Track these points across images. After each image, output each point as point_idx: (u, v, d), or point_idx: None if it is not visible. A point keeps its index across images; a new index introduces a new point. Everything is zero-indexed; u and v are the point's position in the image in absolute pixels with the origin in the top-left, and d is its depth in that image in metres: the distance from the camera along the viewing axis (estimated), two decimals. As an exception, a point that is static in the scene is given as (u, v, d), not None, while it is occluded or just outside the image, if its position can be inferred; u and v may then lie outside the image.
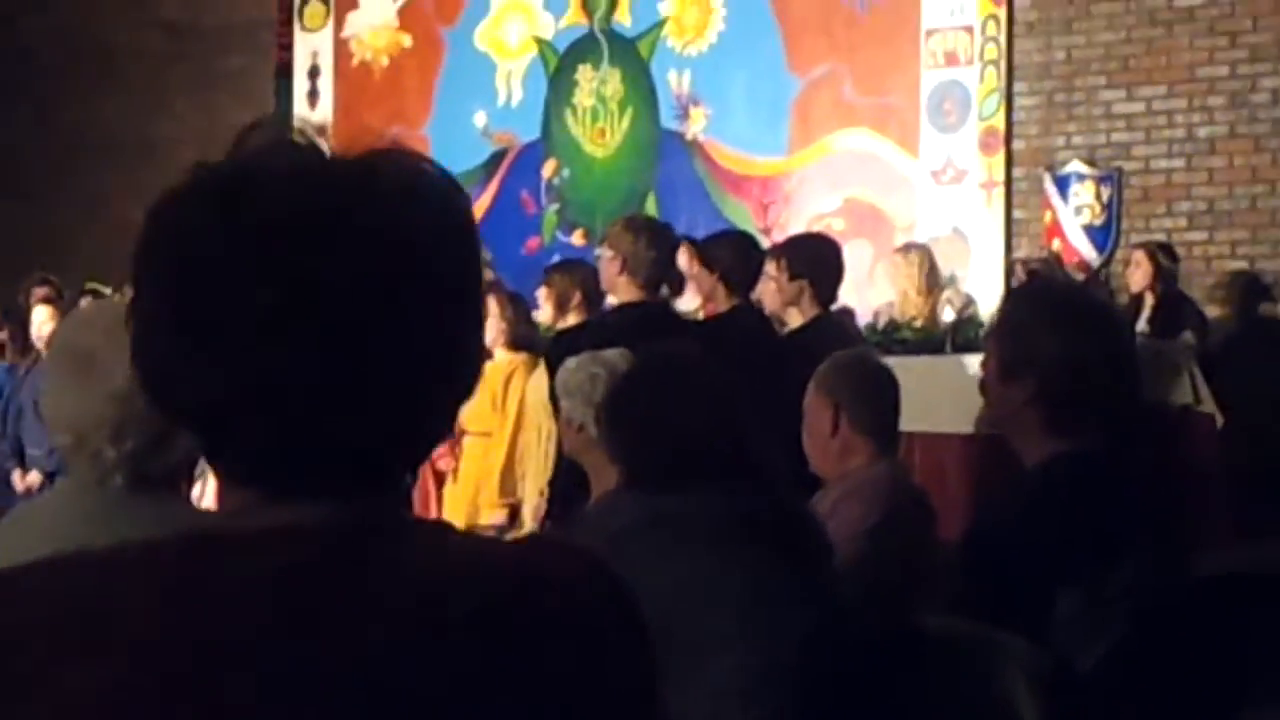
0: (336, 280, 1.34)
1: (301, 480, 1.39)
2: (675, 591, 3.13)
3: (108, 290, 10.99)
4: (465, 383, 1.48)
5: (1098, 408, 3.42)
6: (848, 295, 8.27)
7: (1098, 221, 10.33)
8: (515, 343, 8.32)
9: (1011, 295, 3.56)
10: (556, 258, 11.52)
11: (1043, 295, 3.65)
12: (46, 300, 10.30)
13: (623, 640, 1.43)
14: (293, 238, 1.35)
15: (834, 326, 6.83)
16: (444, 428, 1.48)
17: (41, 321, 9.62)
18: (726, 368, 5.96)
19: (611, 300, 6.84)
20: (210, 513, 1.48)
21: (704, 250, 6.83)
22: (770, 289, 6.74)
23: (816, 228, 11.16)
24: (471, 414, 8.25)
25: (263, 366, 1.34)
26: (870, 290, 10.54)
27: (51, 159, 14.05)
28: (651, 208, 11.75)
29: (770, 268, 6.68)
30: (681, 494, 3.26)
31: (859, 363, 4.81)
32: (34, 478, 9.24)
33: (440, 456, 8.38)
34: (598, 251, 6.63)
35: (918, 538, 4.50)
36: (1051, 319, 3.47)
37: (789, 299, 6.63)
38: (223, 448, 1.42)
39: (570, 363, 5.23)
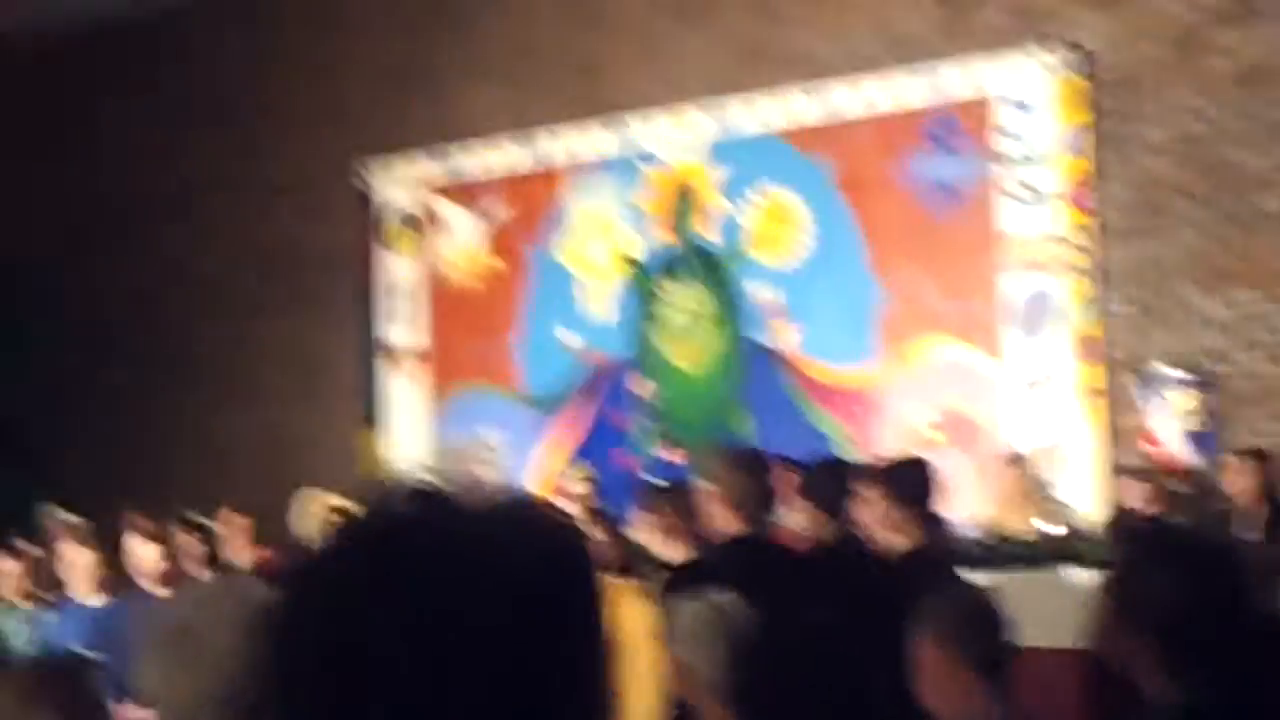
0: (473, 644, 1.35)
1: None
2: None
3: (203, 519, 11.07)
4: None
5: (1215, 651, 3.38)
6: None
7: (1197, 427, 10.26)
8: (621, 571, 8.29)
9: (1124, 535, 3.53)
10: (653, 474, 11.57)
11: (1157, 537, 3.61)
12: (144, 534, 10.32)
13: None
14: (438, 630, 1.35)
15: (938, 552, 6.77)
16: None
17: (140, 557, 9.63)
18: (832, 605, 6.00)
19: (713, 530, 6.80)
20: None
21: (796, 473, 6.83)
22: (871, 514, 6.70)
23: (912, 440, 11.16)
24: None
25: None
26: (966, 499, 10.47)
27: (150, 382, 14.26)
28: (744, 423, 11.76)
29: (869, 490, 6.65)
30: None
31: (969, 602, 4.75)
32: (142, 714, 9.19)
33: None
34: (697, 483, 6.61)
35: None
36: (1166, 562, 3.44)
37: (892, 526, 6.59)
38: None
39: (684, 606, 5.21)
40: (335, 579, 1.41)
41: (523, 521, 1.44)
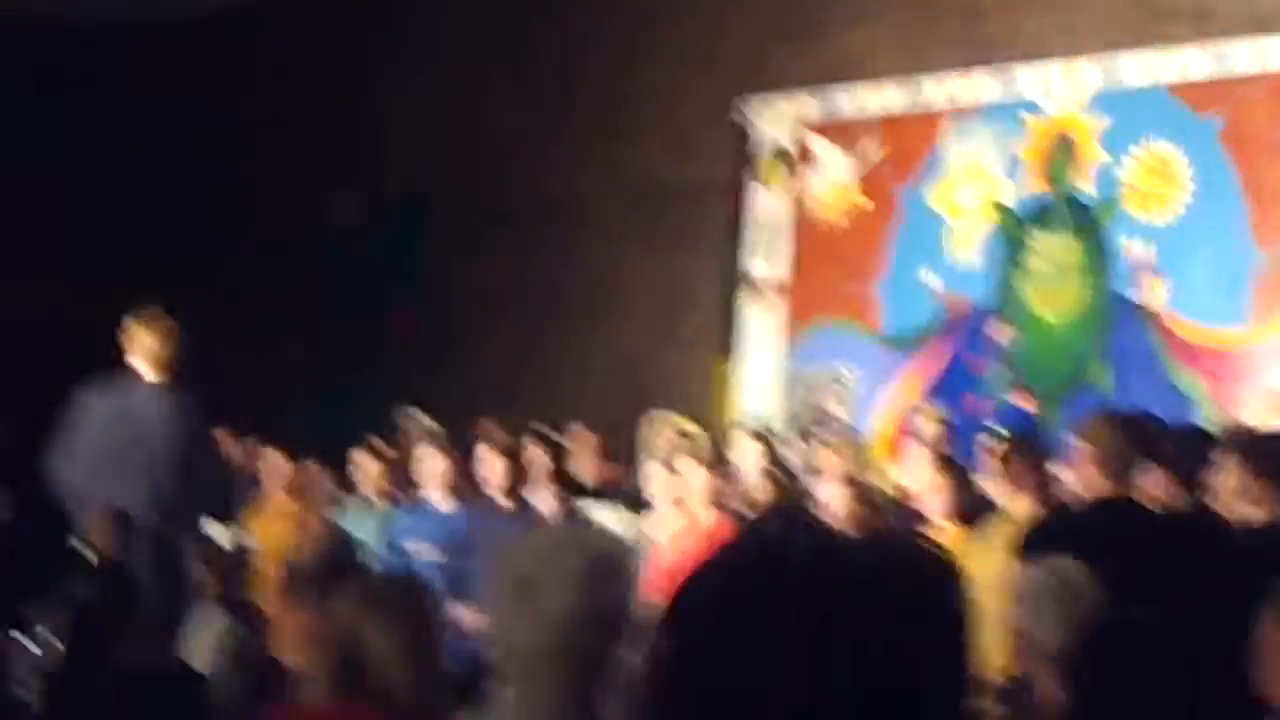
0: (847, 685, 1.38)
1: None
2: None
3: (552, 434, 11.31)
4: None
5: None
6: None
7: None
8: (962, 518, 8.26)
9: None
10: (1004, 420, 11.46)
11: None
12: (493, 442, 10.57)
13: None
14: (808, 638, 1.40)
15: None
16: None
17: (491, 466, 9.89)
18: (1186, 567, 5.91)
19: (1079, 489, 6.71)
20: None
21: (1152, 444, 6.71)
22: (1228, 485, 6.55)
23: (1276, 403, 10.83)
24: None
25: None
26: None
27: (515, 302, 14.58)
28: (1103, 375, 11.57)
29: (1228, 461, 6.51)
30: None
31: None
32: (478, 615, 9.45)
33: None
34: (1071, 440, 6.54)
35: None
36: None
37: (1251, 498, 6.44)
38: None
39: (1025, 571, 5.20)
40: (728, 594, 1.47)
41: (902, 547, 1.50)
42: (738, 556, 1.51)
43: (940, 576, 1.50)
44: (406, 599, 4.18)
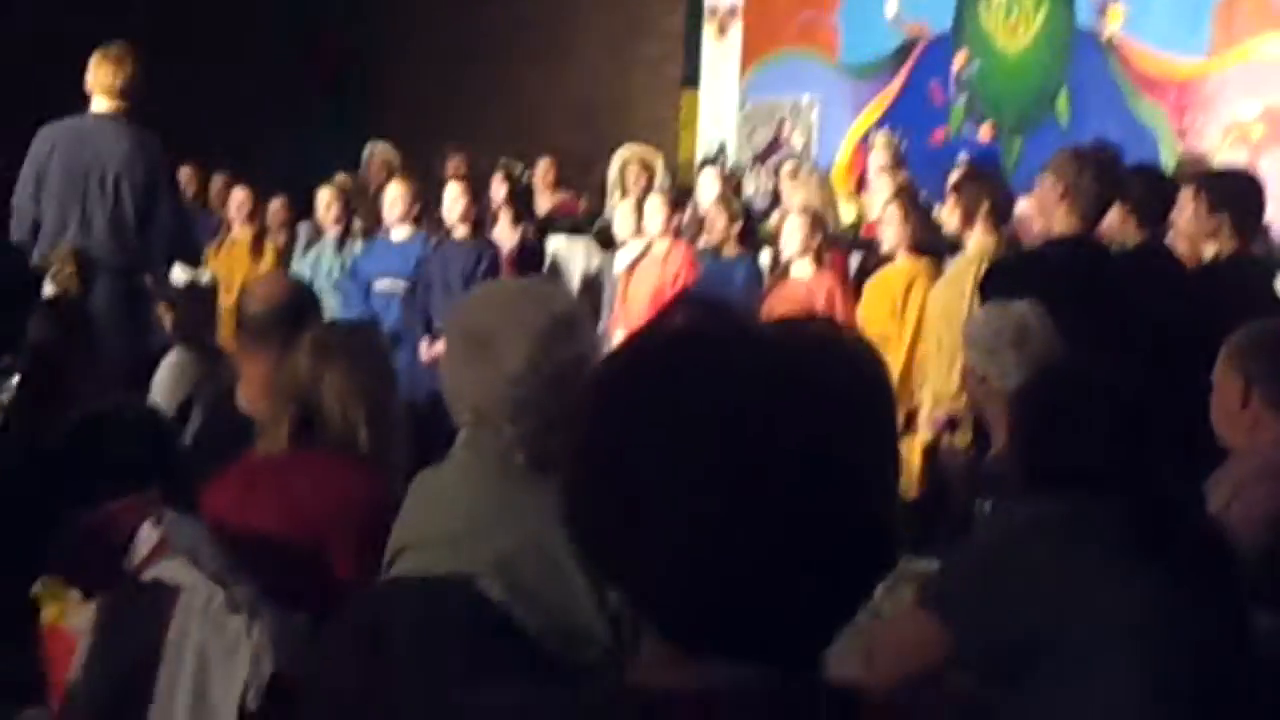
0: (781, 479, 1.41)
1: (723, 642, 1.46)
2: (1072, 598, 3.15)
3: (518, 167, 11.30)
4: (889, 558, 1.53)
5: None
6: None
7: None
8: (917, 247, 8.29)
9: None
10: (963, 151, 11.47)
11: None
12: (459, 178, 10.58)
13: None
14: (731, 429, 1.42)
15: (1254, 263, 6.66)
16: (862, 601, 1.52)
17: (454, 198, 9.88)
18: (1141, 303, 5.96)
19: (1044, 228, 6.72)
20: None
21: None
22: (1187, 219, 6.58)
23: (1234, 135, 10.86)
24: (870, 318, 8.30)
25: (703, 556, 1.42)
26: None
27: (461, 33, 14.39)
28: (1063, 106, 11.55)
29: (1188, 196, 6.52)
30: (1078, 504, 3.26)
31: (1275, 336, 4.67)
32: (440, 348, 9.50)
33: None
34: (1040, 176, 6.52)
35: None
36: None
37: (1207, 231, 6.47)
38: (647, 605, 1.50)
39: (979, 313, 5.24)
40: (651, 378, 1.47)
41: (826, 340, 1.49)
42: (649, 354, 1.50)
43: (858, 372, 1.49)
44: (363, 348, 4.20)
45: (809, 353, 1.47)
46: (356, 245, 10.53)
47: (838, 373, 1.48)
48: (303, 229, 11.06)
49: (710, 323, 1.49)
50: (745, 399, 1.43)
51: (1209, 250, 6.56)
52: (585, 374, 2.81)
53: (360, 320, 8.93)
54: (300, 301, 4.86)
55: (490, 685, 2.69)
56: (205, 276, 7.25)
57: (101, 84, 7.79)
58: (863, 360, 1.52)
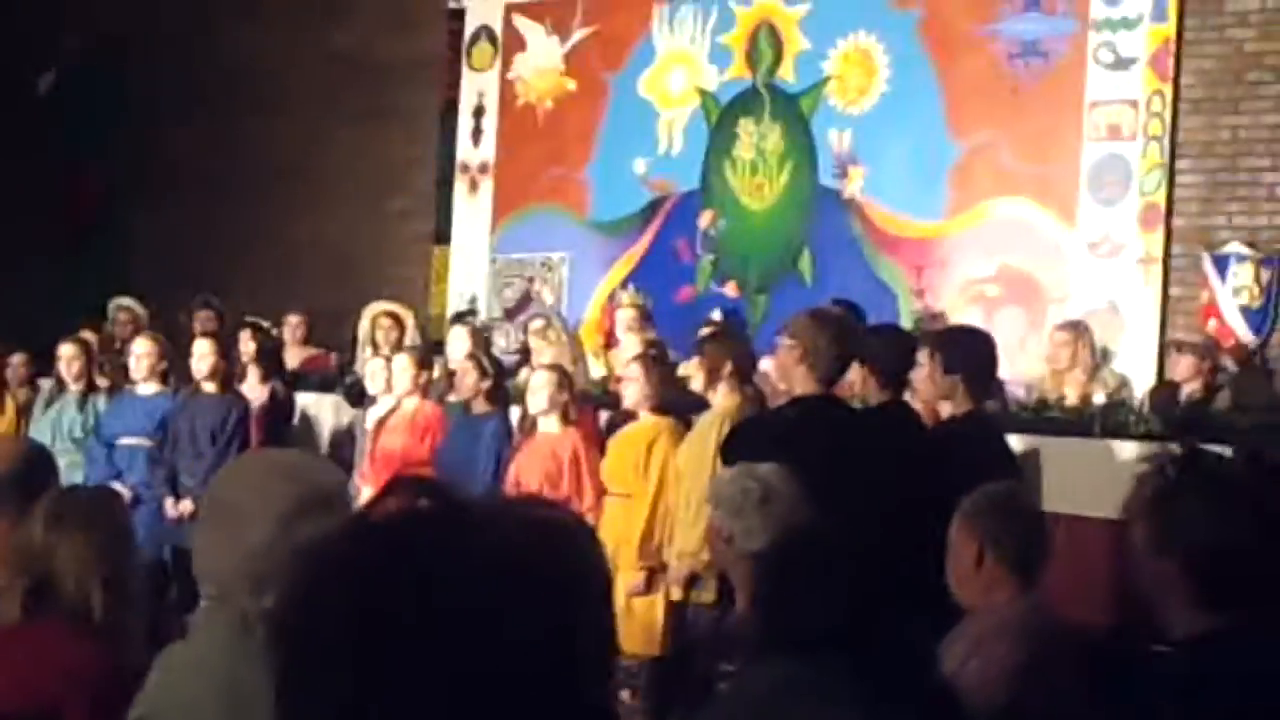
0: (492, 653, 1.40)
1: None
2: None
3: (266, 324, 11.24)
4: None
5: (1249, 587, 3.42)
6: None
7: (1256, 304, 10.23)
8: (659, 407, 8.38)
9: (1165, 467, 3.54)
10: (711, 308, 11.64)
11: (1198, 470, 3.64)
12: (207, 334, 10.51)
13: None
14: (445, 612, 1.40)
15: (986, 423, 6.83)
16: None
17: (201, 355, 9.82)
18: (881, 463, 6.09)
19: (785, 388, 6.83)
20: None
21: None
22: (923, 379, 6.74)
23: (971, 293, 11.19)
24: (613, 474, 8.36)
25: None
26: (1020, 357, 10.51)
27: (215, 180, 14.28)
28: (806, 263, 11.81)
29: (923, 358, 6.68)
30: (820, 663, 3.31)
31: (1007, 499, 4.81)
32: (186, 506, 9.42)
33: (589, 510, 8.49)
34: (778, 339, 6.65)
35: (1063, 679, 4.50)
36: (1205, 496, 3.47)
37: (942, 393, 6.64)
38: None
39: (724, 474, 5.31)
40: (352, 570, 1.44)
41: (536, 519, 1.49)
42: (350, 543, 1.46)
43: (582, 550, 1.50)
44: (99, 514, 4.13)
45: (529, 533, 1.47)
46: (100, 401, 10.36)
47: (561, 552, 1.48)
48: (44, 384, 10.85)
49: (429, 505, 1.49)
50: (466, 583, 1.41)
51: (945, 409, 6.74)
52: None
53: (98, 485, 8.79)
54: (33, 466, 4.76)
55: None
56: (-59, 437, 7.07)
57: None
58: (581, 540, 1.53)
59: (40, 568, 3.93)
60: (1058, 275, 10.99)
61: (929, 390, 6.72)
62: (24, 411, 10.74)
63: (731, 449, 6.40)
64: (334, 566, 1.46)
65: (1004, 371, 8.88)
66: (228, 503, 3.01)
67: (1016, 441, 7.93)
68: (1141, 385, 9.84)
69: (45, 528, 3.98)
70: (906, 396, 6.94)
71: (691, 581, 7.46)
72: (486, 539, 1.45)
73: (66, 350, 10.50)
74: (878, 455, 6.20)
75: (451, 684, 1.39)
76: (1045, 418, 8.90)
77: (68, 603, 3.92)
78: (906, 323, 10.58)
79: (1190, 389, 9.36)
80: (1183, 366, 9.55)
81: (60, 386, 10.51)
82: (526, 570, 1.44)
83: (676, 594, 7.79)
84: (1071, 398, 9.32)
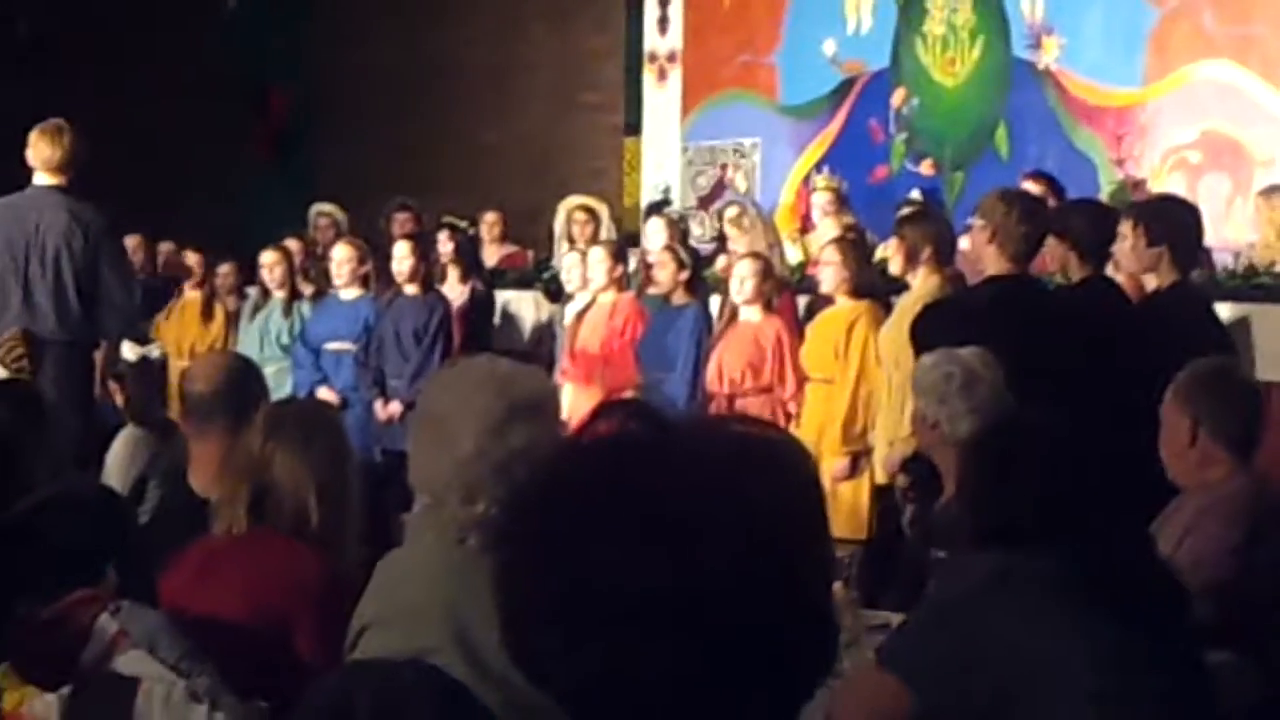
0: (703, 572, 1.41)
1: None
2: (1030, 651, 3.17)
3: (463, 223, 11.32)
4: (830, 654, 1.53)
5: None
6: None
7: None
8: (857, 290, 8.33)
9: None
10: (906, 188, 11.53)
11: None
12: (406, 235, 10.61)
13: None
14: (655, 535, 1.41)
15: (1193, 294, 6.71)
16: (809, 699, 1.51)
17: (401, 257, 9.91)
18: (1078, 341, 6.01)
19: (981, 269, 6.77)
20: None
21: (1055, 219, 6.76)
22: (1126, 252, 6.63)
23: (1172, 160, 10.95)
24: (813, 360, 8.35)
25: (630, 659, 1.42)
26: (1226, 226, 10.29)
27: (405, 85, 14.38)
28: (1002, 138, 11.63)
29: (1126, 230, 6.57)
30: (1034, 553, 3.28)
31: (1219, 374, 4.73)
32: (395, 408, 9.54)
33: (792, 398, 8.49)
34: (969, 220, 6.60)
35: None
36: None
37: (1147, 265, 6.51)
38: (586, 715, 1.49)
39: (926, 360, 5.29)
40: (566, 491, 1.47)
41: (743, 438, 1.49)
42: (577, 461, 1.50)
43: (787, 472, 1.49)
44: (317, 426, 4.20)
45: (737, 456, 1.47)
46: (305, 307, 10.53)
47: (770, 474, 1.48)
48: (252, 292, 11.06)
49: (639, 428, 1.50)
50: (679, 504, 1.42)
51: (1150, 282, 6.62)
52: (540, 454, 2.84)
53: (314, 397, 8.97)
54: (244, 378, 4.86)
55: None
56: (155, 351, 7.21)
57: (41, 159, 7.79)
58: (790, 458, 1.53)
59: (260, 478, 4.01)
60: (1263, 138, 10.68)
61: (1133, 263, 6.60)
62: (233, 320, 10.96)
63: (922, 332, 6.36)
64: (548, 489, 1.49)
65: (1210, 239, 8.72)
66: (437, 415, 3.06)
67: (1225, 310, 7.80)
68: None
69: (263, 438, 4.05)
70: (1109, 271, 6.84)
71: (902, 466, 7.42)
72: (694, 459, 1.45)
73: (269, 258, 10.67)
74: (1073, 334, 6.13)
75: (666, 596, 1.40)
76: (1254, 284, 8.72)
77: (287, 514, 3.99)
78: (1106, 193, 10.39)
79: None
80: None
81: (265, 294, 10.71)
82: (734, 488, 1.45)
83: (881, 478, 7.77)
84: (1277, 264, 9.11)
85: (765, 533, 1.44)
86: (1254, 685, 3.93)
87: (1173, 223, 6.57)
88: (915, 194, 11.08)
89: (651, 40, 13.37)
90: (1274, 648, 4.14)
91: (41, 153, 7.81)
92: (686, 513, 1.42)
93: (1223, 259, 9.42)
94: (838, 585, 4.23)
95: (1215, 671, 3.51)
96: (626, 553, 1.41)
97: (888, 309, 8.18)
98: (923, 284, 7.71)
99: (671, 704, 1.42)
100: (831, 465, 8.00)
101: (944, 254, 7.86)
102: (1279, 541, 4.48)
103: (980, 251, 6.43)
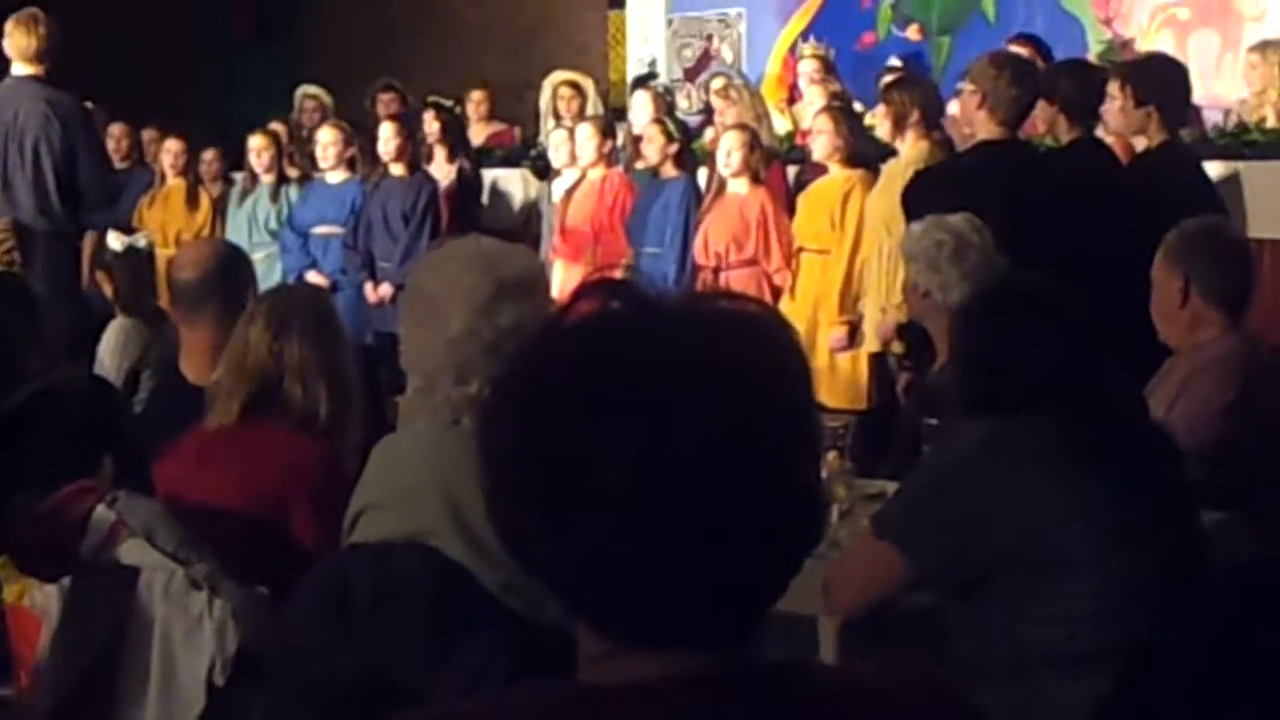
0: (686, 448, 1.40)
1: (662, 633, 1.46)
2: (1024, 515, 3.18)
3: (449, 102, 11.24)
4: (817, 527, 1.53)
5: None
6: (1194, 89, 7.97)
7: None
8: (851, 159, 8.27)
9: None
10: (893, 54, 11.43)
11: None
12: (392, 116, 10.55)
13: None
14: (640, 411, 1.41)
15: (1182, 153, 6.69)
16: (797, 572, 1.51)
17: (387, 137, 9.86)
18: (1069, 201, 6.00)
19: (970, 134, 6.74)
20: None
21: (1043, 81, 6.71)
22: (1115, 113, 6.60)
23: (1160, 18, 10.87)
24: (808, 231, 8.30)
25: (617, 539, 1.41)
26: (1216, 83, 10.23)
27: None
28: (989, 2, 11.52)
29: (1114, 90, 6.53)
30: (1028, 418, 3.28)
31: (1210, 232, 4.71)
32: (385, 290, 9.52)
33: (778, 271, 8.46)
34: (959, 85, 6.57)
35: (1274, 414, 4.45)
36: None
37: (1136, 125, 6.49)
38: (581, 604, 1.50)
39: (916, 227, 5.27)
40: (548, 370, 1.48)
41: (725, 314, 1.49)
42: (564, 336, 1.50)
43: (772, 346, 1.48)
44: (321, 317, 4.19)
45: (720, 332, 1.47)
46: (292, 192, 10.48)
47: (752, 349, 1.47)
48: (238, 178, 11.00)
49: (620, 306, 1.49)
50: (661, 381, 1.42)
51: (1139, 143, 6.60)
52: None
53: (312, 285, 8.95)
54: (233, 264, 4.84)
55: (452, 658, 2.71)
56: (141, 241, 7.18)
57: (17, 49, 7.73)
58: (774, 333, 1.52)
59: (266, 372, 4.00)
60: (1252, -4, 10.61)
61: (1121, 123, 6.58)
62: (218, 206, 10.89)
63: (914, 198, 6.34)
64: (528, 370, 1.50)
65: (1200, 97, 8.67)
66: (426, 296, 3.05)
67: (1215, 168, 7.77)
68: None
69: (270, 333, 4.03)
70: (1099, 133, 6.81)
71: (897, 333, 7.41)
72: (676, 337, 1.45)
73: (255, 142, 10.60)
74: (1064, 196, 6.11)
75: (648, 475, 1.40)
76: (1245, 141, 8.65)
77: (294, 406, 3.99)
78: (1094, 53, 10.32)
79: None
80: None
81: (252, 179, 10.64)
82: (716, 365, 1.44)
83: (874, 346, 7.76)
84: (1271, 120, 9.05)
85: (748, 408, 1.43)
86: (1248, 545, 3.95)
87: (1160, 82, 6.54)
88: (894, 60, 10.97)
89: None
90: (1267, 507, 4.16)
91: (18, 43, 7.75)
92: (668, 390, 1.41)
93: (1213, 117, 9.37)
94: (832, 455, 4.24)
95: (1209, 531, 3.53)
96: (608, 432, 1.41)
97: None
98: (911, 149, 7.67)
99: (656, 583, 1.42)
100: (829, 336, 7.99)
101: (931, 118, 7.81)
102: (1271, 401, 4.49)
103: (970, 116, 6.40)
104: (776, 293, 8.42)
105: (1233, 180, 8.09)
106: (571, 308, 1.50)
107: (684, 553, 1.41)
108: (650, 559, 1.41)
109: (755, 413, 1.44)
